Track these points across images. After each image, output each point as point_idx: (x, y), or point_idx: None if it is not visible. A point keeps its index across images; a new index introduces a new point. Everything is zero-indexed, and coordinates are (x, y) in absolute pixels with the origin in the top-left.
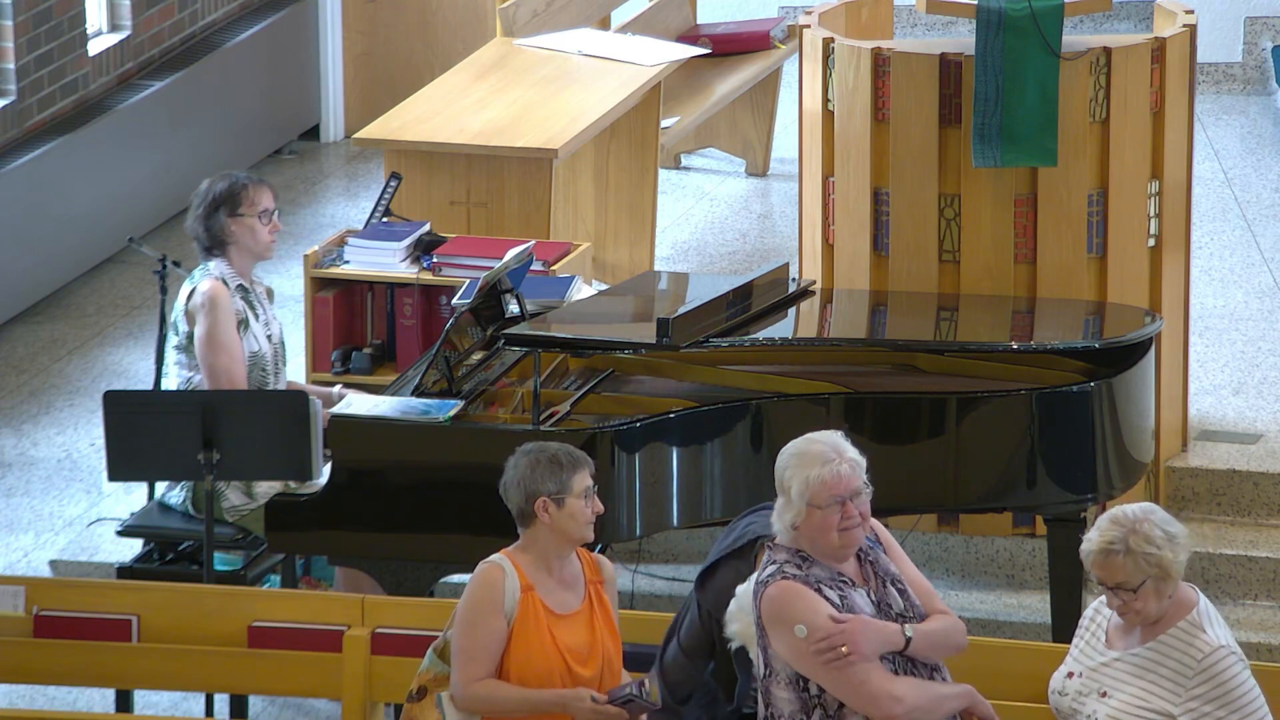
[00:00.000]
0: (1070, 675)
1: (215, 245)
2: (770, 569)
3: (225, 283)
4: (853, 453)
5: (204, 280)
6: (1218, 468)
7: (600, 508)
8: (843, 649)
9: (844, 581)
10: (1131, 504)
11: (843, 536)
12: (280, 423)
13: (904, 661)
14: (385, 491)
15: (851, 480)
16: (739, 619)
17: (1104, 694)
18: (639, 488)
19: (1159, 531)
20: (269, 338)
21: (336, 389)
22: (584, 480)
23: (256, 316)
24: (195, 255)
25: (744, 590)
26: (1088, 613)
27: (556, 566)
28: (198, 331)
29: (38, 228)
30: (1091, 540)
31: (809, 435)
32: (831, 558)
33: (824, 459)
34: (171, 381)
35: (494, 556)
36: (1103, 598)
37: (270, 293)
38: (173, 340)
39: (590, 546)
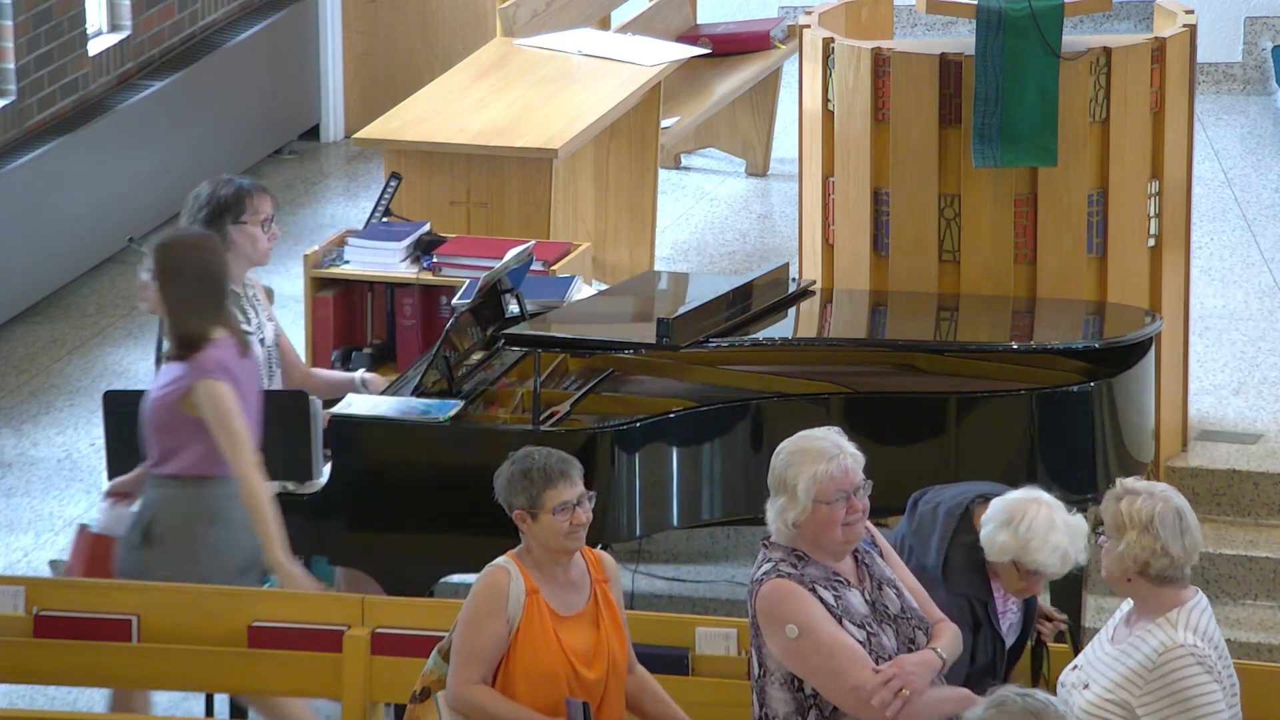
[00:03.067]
0: (1075, 668)
1: None
2: (765, 567)
3: None
4: (852, 447)
5: None
6: (1218, 468)
7: (582, 520)
8: (904, 692)
9: (839, 581)
10: (1188, 504)
11: (846, 532)
12: (280, 423)
13: None
14: (385, 491)
15: (855, 474)
16: (999, 532)
17: (1086, 686)
18: (639, 488)
19: (1159, 527)
20: (261, 342)
21: (359, 374)
22: (559, 495)
23: (248, 322)
24: None
25: (986, 516)
26: (1117, 612)
27: (559, 570)
28: None
29: (38, 228)
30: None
31: (805, 433)
32: (831, 555)
33: (828, 455)
34: None
35: (500, 559)
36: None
37: (270, 293)
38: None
39: (591, 546)
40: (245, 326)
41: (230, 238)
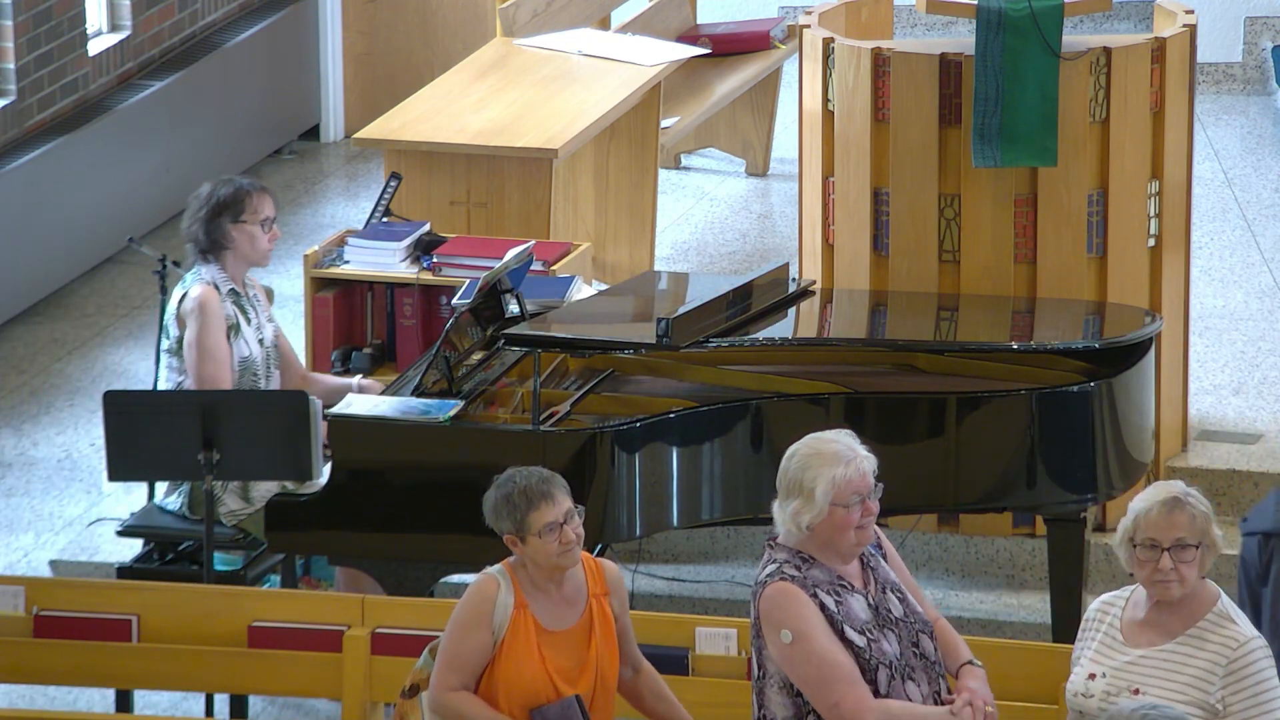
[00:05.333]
0: (1093, 676)
1: (213, 249)
2: (770, 568)
3: (217, 288)
4: (864, 450)
5: (195, 285)
6: (1218, 468)
7: (571, 537)
8: (987, 708)
9: (843, 586)
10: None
11: (859, 534)
12: (280, 423)
13: (904, 668)
14: (385, 491)
15: (869, 477)
16: None
17: (1136, 691)
18: (639, 488)
19: (1206, 505)
20: (260, 342)
21: (356, 379)
22: (543, 517)
23: (248, 321)
24: (190, 257)
25: None
26: (1090, 615)
27: (553, 584)
28: (186, 336)
29: (38, 228)
30: (1150, 497)
31: (818, 435)
32: (841, 557)
33: (844, 457)
34: (162, 385)
35: (494, 568)
36: (1104, 597)
37: (270, 293)
38: (164, 344)
39: (590, 547)
40: (245, 326)
41: (230, 237)
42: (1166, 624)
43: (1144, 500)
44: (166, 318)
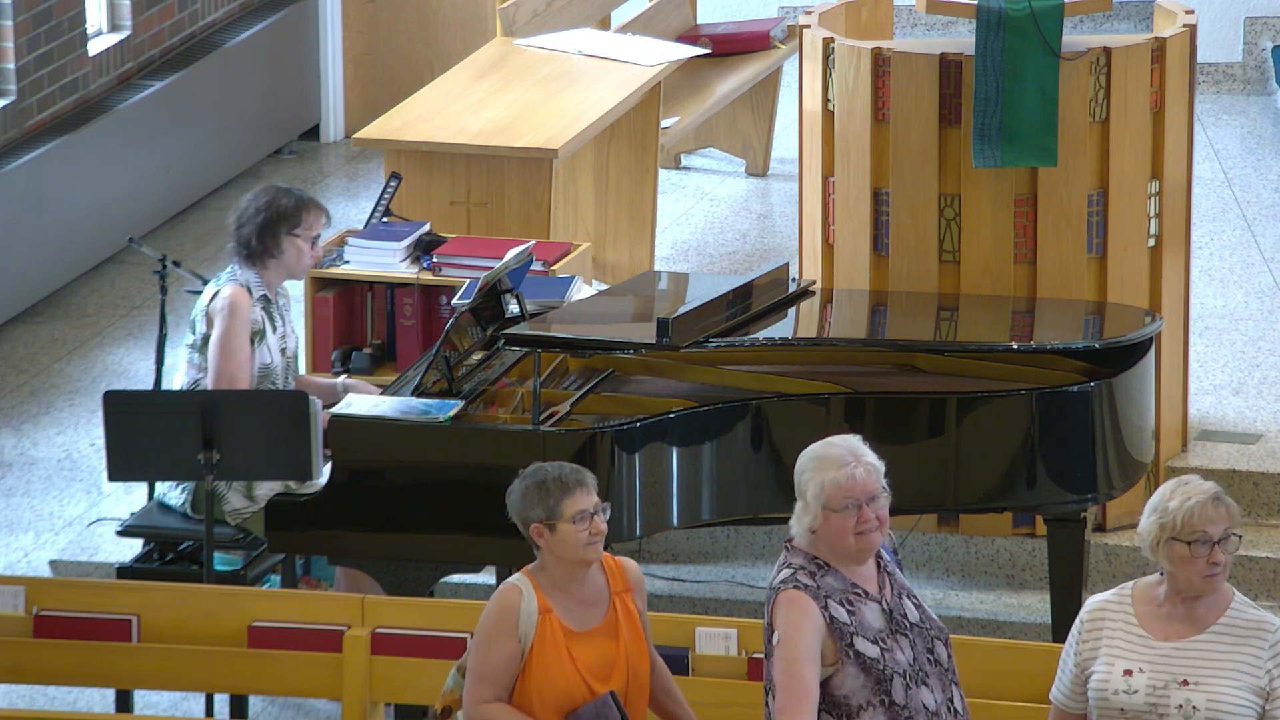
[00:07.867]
0: (1129, 673)
1: (261, 255)
2: (784, 573)
3: (249, 291)
4: (870, 457)
5: (228, 285)
6: (1218, 468)
7: (601, 528)
8: None
9: (857, 593)
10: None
11: (859, 540)
12: (280, 423)
13: (918, 674)
14: (385, 491)
15: (868, 484)
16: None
17: (1185, 682)
18: (639, 488)
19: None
20: (283, 351)
21: (340, 380)
22: (576, 504)
23: (274, 329)
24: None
25: None
26: (1088, 616)
27: (575, 585)
28: (213, 333)
29: (38, 228)
30: (1189, 495)
31: (828, 439)
32: (849, 561)
33: (840, 462)
34: (179, 380)
35: (514, 577)
36: (1097, 598)
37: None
38: (188, 339)
39: None
40: (270, 334)
41: (281, 247)
42: (1196, 615)
43: (1183, 499)
44: (194, 313)
